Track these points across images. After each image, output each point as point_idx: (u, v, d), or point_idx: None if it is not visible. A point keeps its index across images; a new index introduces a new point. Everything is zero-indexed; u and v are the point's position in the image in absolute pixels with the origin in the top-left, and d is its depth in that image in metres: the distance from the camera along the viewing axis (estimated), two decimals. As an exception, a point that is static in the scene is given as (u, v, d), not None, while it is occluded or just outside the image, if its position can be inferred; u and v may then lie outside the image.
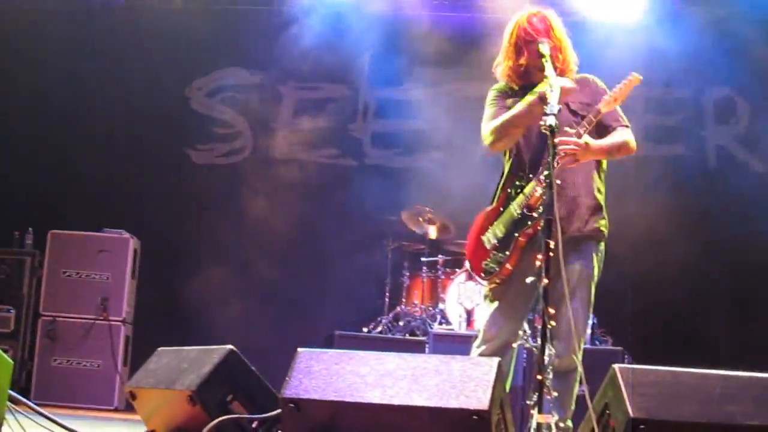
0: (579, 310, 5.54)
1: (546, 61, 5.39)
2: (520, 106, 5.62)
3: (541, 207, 5.45)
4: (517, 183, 5.71)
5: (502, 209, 5.73)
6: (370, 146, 12.05)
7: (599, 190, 5.79)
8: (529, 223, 5.58)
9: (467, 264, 5.97)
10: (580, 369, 5.43)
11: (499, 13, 11.17)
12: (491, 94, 5.94)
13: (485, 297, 5.85)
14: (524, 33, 5.71)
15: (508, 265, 5.64)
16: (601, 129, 5.70)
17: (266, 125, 12.10)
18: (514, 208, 5.66)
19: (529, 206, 5.61)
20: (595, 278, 5.74)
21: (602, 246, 5.79)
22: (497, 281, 5.69)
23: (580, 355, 5.43)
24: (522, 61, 5.72)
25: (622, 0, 11.33)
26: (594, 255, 5.71)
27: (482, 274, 5.73)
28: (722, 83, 11.69)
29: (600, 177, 5.82)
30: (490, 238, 5.73)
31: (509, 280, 5.66)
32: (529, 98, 5.58)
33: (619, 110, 5.82)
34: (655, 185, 11.06)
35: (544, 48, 5.46)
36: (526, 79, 5.79)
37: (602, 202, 5.80)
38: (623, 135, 5.75)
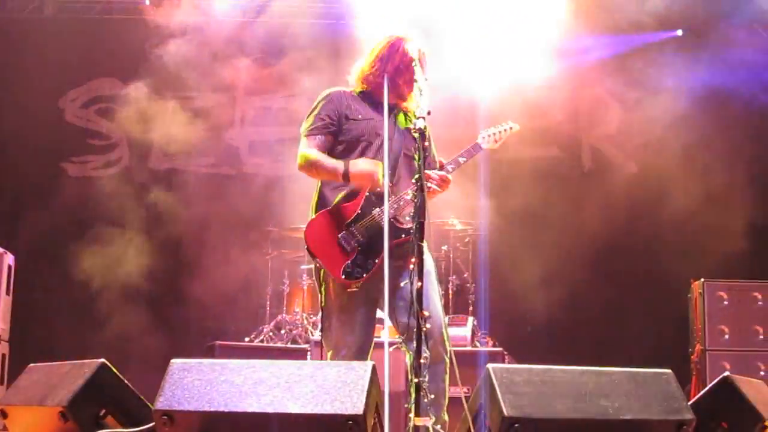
0: (439, 305, 5.64)
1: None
2: (331, 164, 5.73)
3: (407, 218, 5.61)
4: (379, 189, 5.68)
5: (360, 211, 5.71)
6: (248, 154, 11.98)
7: None
8: (403, 235, 5.62)
9: (317, 261, 5.76)
10: (447, 359, 5.56)
11: (368, 21, 11.28)
12: (320, 102, 5.96)
13: (332, 307, 5.80)
14: (408, 60, 5.73)
15: (373, 271, 5.63)
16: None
17: (142, 136, 11.94)
18: (380, 216, 5.66)
19: (396, 218, 5.68)
20: None
21: None
22: (357, 287, 5.65)
23: (448, 347, 5.57)
24: (397, 80, 5.80)
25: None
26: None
27: (343, 277, 5.64)
28: (595, 86, 11.92)
29: None
30: (349, 240, 5.68)
31: (364, 284, 5.68)
32: (339, 168, 5.69)
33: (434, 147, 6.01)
34: (532, 186, 11.20)
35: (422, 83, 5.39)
36: (379, 90, 5.82)
37: None
38: None
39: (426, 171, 5.19)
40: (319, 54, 11.27)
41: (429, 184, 5.55)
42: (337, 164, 5.72)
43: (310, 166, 5.80)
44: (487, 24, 11.39)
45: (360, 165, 5.67)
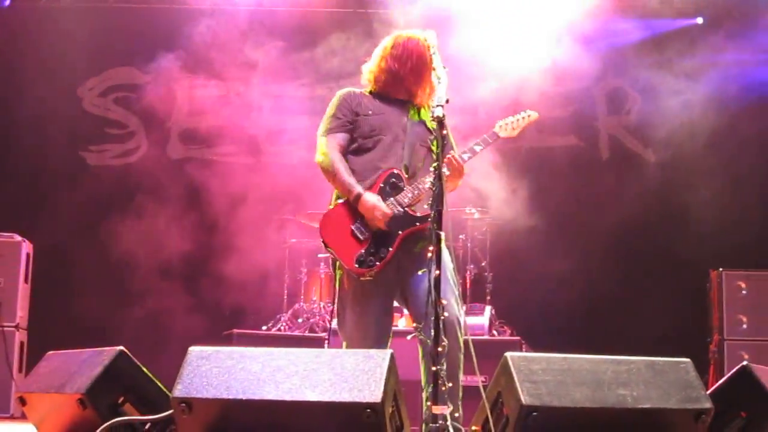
0: (453, 299, 5.60)
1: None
2: (348, 182, 5.76)
3: (422, 205, 5.65)
4: (393, 180, 5.77)
5: None
6: (266, 143, 11.98)
7: None
8: (417, 224, 5.68)
9: (331, 251, 5.78)
10: (461, 355, 5.59)
11: (393, 8, 11.28)
12: (333, 104, 6.03)
13: (347, 298, 5.82)
14: (417, 57, 5.85)
15: (387, 260, 5.65)
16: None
17: (160, 124, 11.96)
18: (394, 206, 5.71)
19: (410, 206, 5.73)
20: None
21: None
22: (371, 275, 5.66)
23: (461, 342, 5.58)
24: (412, 78, 5.88)
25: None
26: None
27: (356, 266, 5.66)
28: (613, 75, 11.87)
29: None
30: (362, 230, 5.71)
31: (378, 273, 5.68)
32: (354, 190, 5.72)
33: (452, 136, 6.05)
34: (550, 175, 11.18)
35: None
36: (391, 88, 5.96)
37: None
38: None
39: (449, 157, 5.49)
40: (340, 42, 11.23)
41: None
42: (353, 186, 5.74)
43: (329, 171, 5.84)
44: (503, 10, 11.35)
45: (370, 201, 5.68)
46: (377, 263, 5.64)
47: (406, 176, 5.78)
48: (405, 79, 5.86)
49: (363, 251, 5.65)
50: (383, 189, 5.75)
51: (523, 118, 6.12)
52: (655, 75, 11.57)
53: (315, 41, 11.47)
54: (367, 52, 6.23)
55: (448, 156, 5.71)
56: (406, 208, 5.71)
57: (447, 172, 5.59)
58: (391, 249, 5.65)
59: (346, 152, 5.91)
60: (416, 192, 5.70)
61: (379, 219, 5.66)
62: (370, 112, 5.91)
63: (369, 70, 6.03)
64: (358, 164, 5.87)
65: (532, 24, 11.18)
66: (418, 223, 5.68)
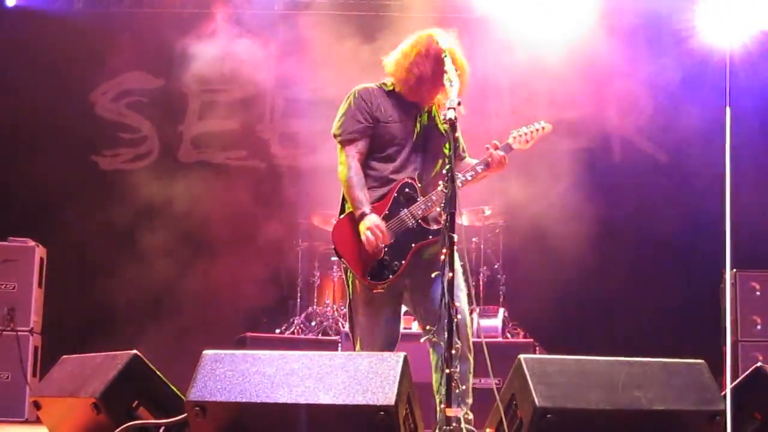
0: (464, 304, 5.62)
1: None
2: (356, 197, 5.65)
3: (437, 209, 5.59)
4: (407, 191, 5.70)
5: (387, 212, 5.67)
6: (278, 147, 11.98)
7: None
8: (430, 237, 5.63)
9: (343, 261, 5.71)
10: (471, 359, 5.56)
11: (402, 12, 11.27)
12: (350, 101, 5.84)
13: (357, 301, 5.78)
14: (440, 59, 5.62)
15: (399, 273, 5.60)
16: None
17: (173, 128, 11.98)
18: (408, 218, 5.65)
19: (425, 218, 5.68)
20: None
21: None
22: (383, 288, 5.61)
23: (471, 341, 5.57)
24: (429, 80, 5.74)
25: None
26: None
27: (368, 278, 5.59)
28: (625, 76, 11.84)
29: None
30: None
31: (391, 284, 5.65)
32: (361, 210, 5.61)
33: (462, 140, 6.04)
34: (562, 178, 11.15)
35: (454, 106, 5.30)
36: (413, 90, 5.79)
37: None
38: None
39: (492, 152, 5.71)
40: (348, 45, 11.22)
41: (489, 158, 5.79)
42: (361, 205, 5.63)
43: (344, 182, 5.73)
44: (515, 15, 11.35)
45: (372, 223, 5.58)
46: (390, 276, 5.57)
47: (420, 186, 5.71)
48: (428, 82, 5.69)
49: (375, 263, 5.58)
50: (397, 200, 5.67)
51: (537, 130, 6.02)
52: (667, 75, 11.53)
53: (323, 46, 11.46)
54: (369, 56, 6.19)
55: (490, 151, 5.77)
56: (419, 221, 5.65)
57: (484, 169, 5.74)
58: (403, 262, 5.59)
59: (365, 159, 5.80)
60: (429, 204, 5.62)
61: (371, 244, 5.55)
62: (390, 119, 5.76)
63: (392, 67, 5.83)
64: (375, 172, 5.78)
65: (543, 24, 11.18)
66: (431, 236, 5.62)
